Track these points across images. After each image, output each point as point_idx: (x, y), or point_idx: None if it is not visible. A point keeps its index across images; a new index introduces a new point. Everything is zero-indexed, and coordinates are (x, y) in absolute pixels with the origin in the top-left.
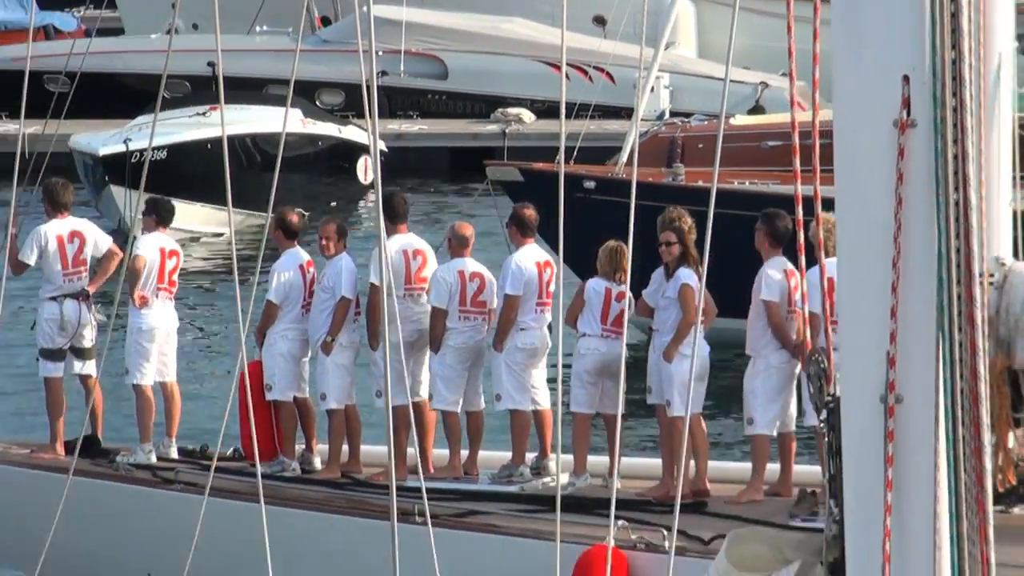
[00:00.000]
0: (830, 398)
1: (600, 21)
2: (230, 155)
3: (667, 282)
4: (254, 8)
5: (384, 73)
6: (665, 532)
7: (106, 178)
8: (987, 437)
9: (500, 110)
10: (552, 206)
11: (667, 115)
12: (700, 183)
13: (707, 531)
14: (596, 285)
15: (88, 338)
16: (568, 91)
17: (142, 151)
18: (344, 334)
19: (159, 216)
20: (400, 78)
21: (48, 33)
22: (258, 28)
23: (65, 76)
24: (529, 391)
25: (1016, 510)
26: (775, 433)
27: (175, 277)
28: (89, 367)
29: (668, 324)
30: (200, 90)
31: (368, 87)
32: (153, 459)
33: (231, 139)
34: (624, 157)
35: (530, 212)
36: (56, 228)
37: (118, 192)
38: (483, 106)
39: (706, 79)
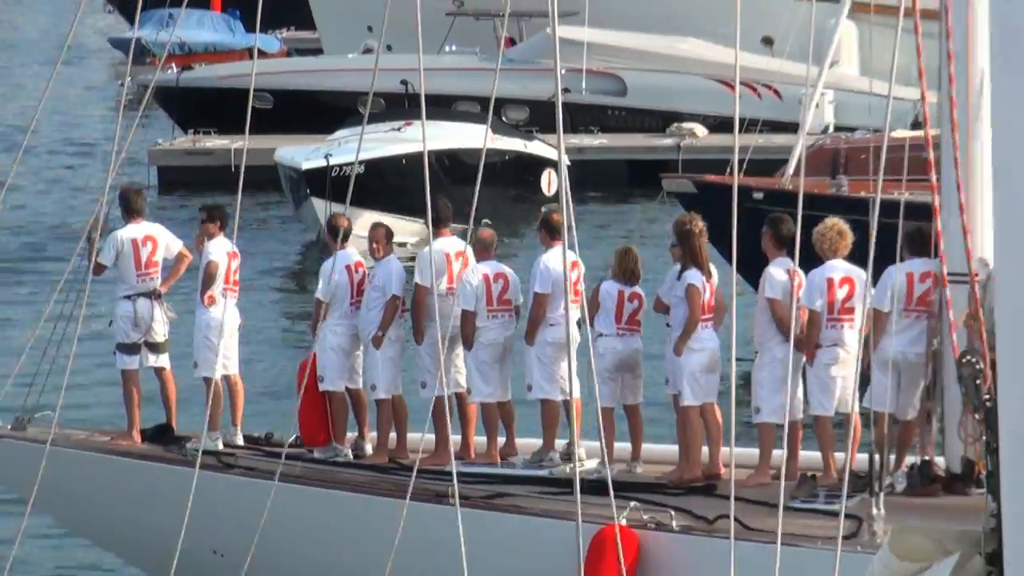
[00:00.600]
0: (987, 397)
1: (768, 41)
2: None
3: (676, 281)
4: (444, 29)
5: (567, 90)
6: (672, 512)
7: (307, 191)
8: None
9: (675, 125)
10: (724, 216)
11: (831, 129)
12: (863, 193)
13: (715, 512)
14: (609, 287)
15: (161, 333)
16: (739, 107)
17: (341, 165)
18: (392, 329)
19: (222, 222)
20: (582, 95)
21: (251, 53)
22: (447, 48)
23: (268, 94)
24: (558, 382)
25: None
26: (782, 421)
27: (237, 277)
28: (162, 360)
29: (678, 320)
30: (393, 107)
31: (554, 103)
32: (220, 445)
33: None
34: (791, 169)
35: (557, 217)
36: (130, 232)
37: (319, 204)
38: (659, 121)
39: (868, 95)
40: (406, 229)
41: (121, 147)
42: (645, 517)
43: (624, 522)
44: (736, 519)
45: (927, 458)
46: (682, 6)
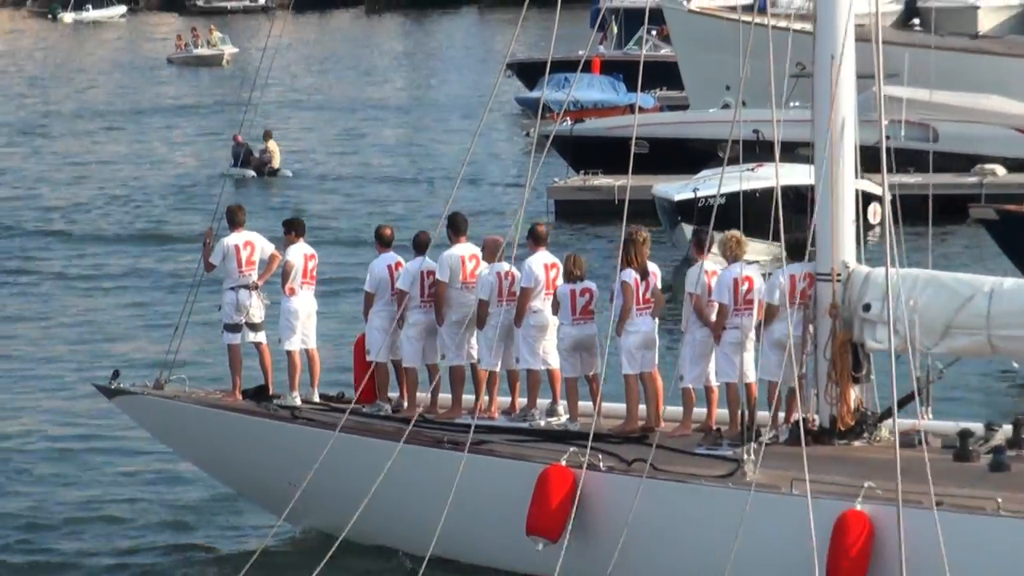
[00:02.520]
0: None
1: None
2: (772, 201)
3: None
4: (788, 89)
5: (888, 137)
6: (600, 456)
7: (679, 218)
8: None
9: (979, 166)
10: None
11: None
12: None
13: (635, 456)
14: (563, 288)
15: (258, 316)
16: None
17: (706, 197)
18: (419, 314)
19: (296, 231)
20: (900, 142)
21: (632, 109)
22: (791, 104)
23: (646, 141)
24: (540, 355)
25: (856, 443)
26: (701, 386)
27: (315, 273)
28: (260, 336)
29: (618, 309)
30: (747, 151)
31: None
32: (298, 402)
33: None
34: None
35: (541, 228)
36: (234, 239)
37: (687, 228)
38: (965, 163)
39: None
40: (757, 249)
41: (524, 181)
42: (581, 459)
43: (564, 463)
44: (646, 461)
45: (803, 416)
46: (987, 69)
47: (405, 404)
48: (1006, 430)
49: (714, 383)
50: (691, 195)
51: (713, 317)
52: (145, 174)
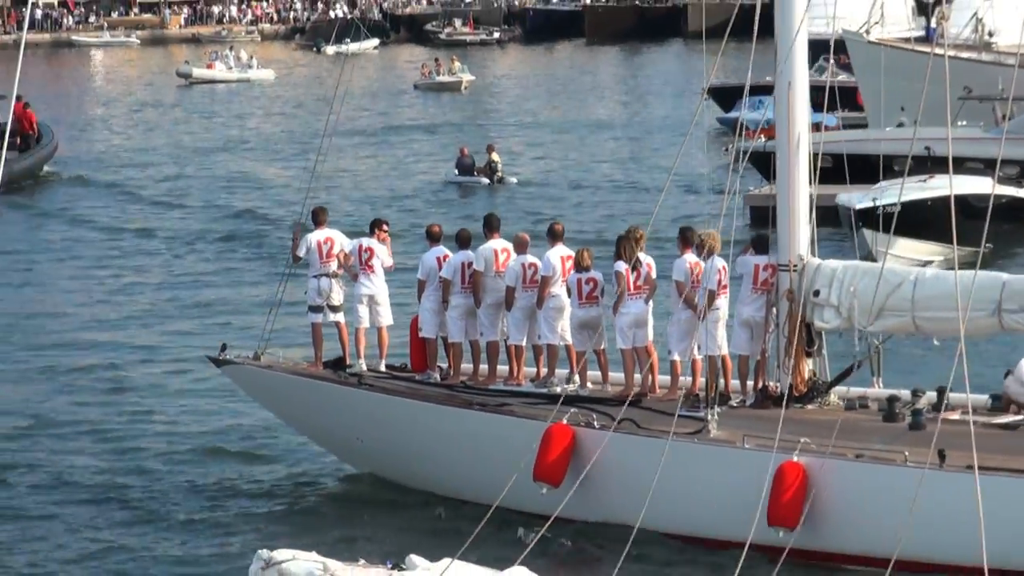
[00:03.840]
0: None
1: None
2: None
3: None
4: (956, 109)
5: None
6: (594, 416)
7: (860, 224)
8: None
9: None
10: None
11: None
12: None
13: (628, 416)
14: (571, 277)
15: (336, 299)
16: None
17: (885, 206)
18: (460, 298)
19: (378, 229)
20: None
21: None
22: (959, 123)
23: (829, 156)
24: (558, 332)
25: (809, 407)
26: (687, 359)
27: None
28: (338, 317)
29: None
30: (919, 165)
31: None
32: (364, 369)
33: (944, 198)
34: None
35: (559, 226)
36: (316, 235)
37: (869, 234)
38: None
39: None
40: (927, 251)
41: (724, 189)
42: (580, 419)
43: (565, 421)
44: (632, 420)
45: (765, 383)
46: None
47: (451, 373)
48: (930, 396)
49: (698, 355)
50: (871, 204)
51: (702, 301)
52: (391, 183)
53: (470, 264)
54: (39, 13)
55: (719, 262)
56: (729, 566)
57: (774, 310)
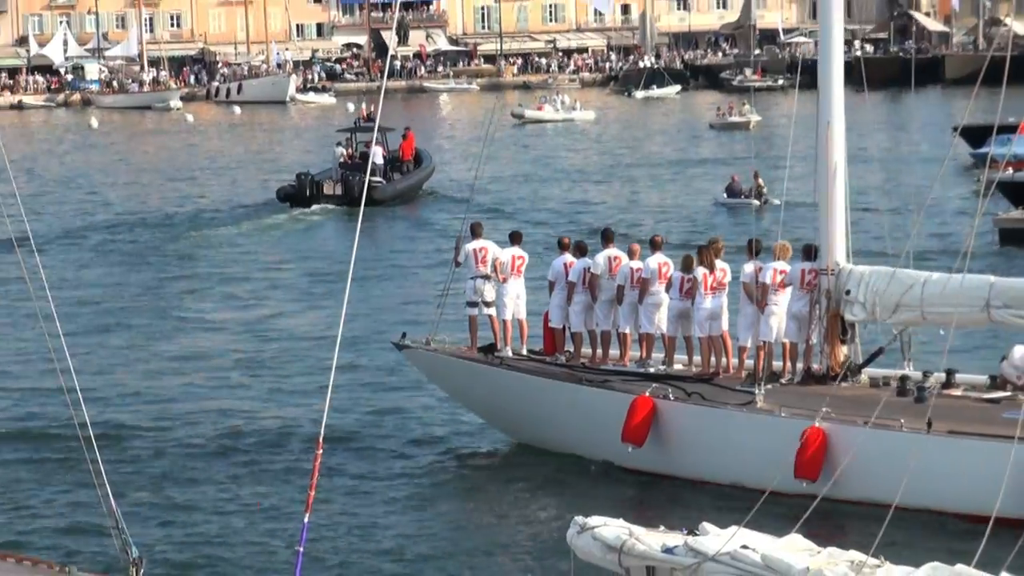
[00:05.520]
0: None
1: None
2: None
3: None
4: None
5: None
6: (670, 390)
7: None
8: None
9: None
10: None
11: None
12: None
13: (703, 391)
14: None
15: (489, 296)
16: None
17: None
18: (581, 295)
19: (512, 240)
20: None
21: None
22: None
23: None
24: (655, 323)
25: (844, 384)
26: (753, 344)
27: (521, 268)
28: (490, 310)
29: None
30: None
31: None
32: (509, 354)
33: None
34: None
35: (659, 238)
36: (473, 244)
37: None
38: None
39: None
40: None
41: (975, 213)
42: (659, 392)
43: (648, 394)
44: (699, 394)
45: (810, 366)
46: None
47: (574, 356)
48: (939, 376)
49: (759, 342)
50: None
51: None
52: (678, 202)
53: (588, 269)
54: (397, 64)
55: (777, 265)
56: (762, 511)
57: (817, 306)
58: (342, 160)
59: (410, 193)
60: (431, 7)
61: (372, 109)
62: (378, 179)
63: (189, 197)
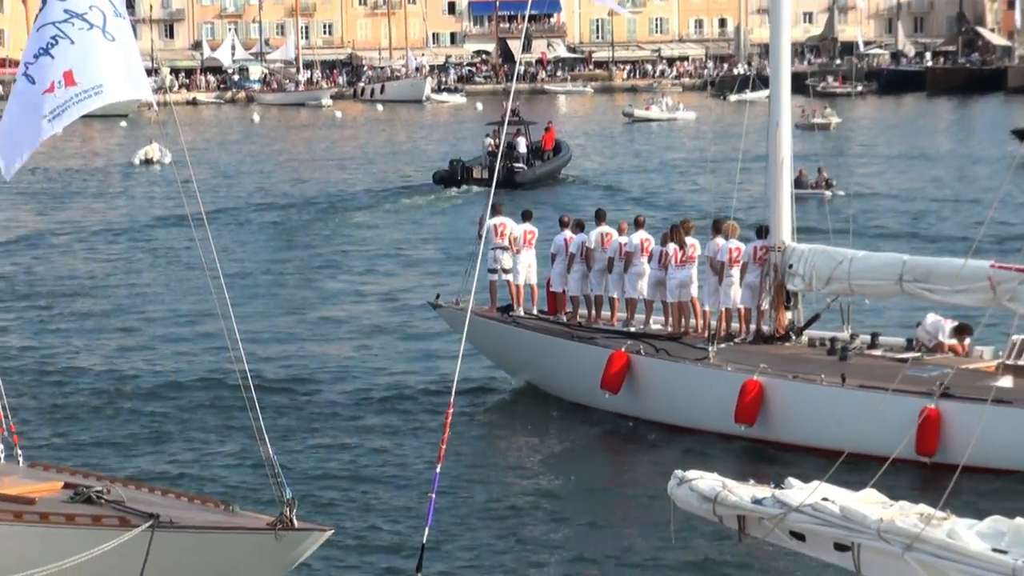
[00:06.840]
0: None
1: None
2: None
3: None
4: None
5: None
6: (642, 346)
7: None
8: None
9: None
10: None
11: None
12: None
13: (669, 348)
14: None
15: (507, 264)
16: None
17: None
18: (578, 265)
19: (524, 217)
20: None
21: None
22: None
23: None
24: (637, 290)
25: (786, 344)
26: (716, 309)
27: (532, 240)
28: (508, 276)
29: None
30: None
31: None
32: (522, 313)
33: None
34: None
35: (641, 218)
36: (494, 220)
37: None
38: None
39: None
40: None
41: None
42: (634, 348)
43: (623, 349)
44: (665, 351)
45: (761, 328)
46: None
47: (572, 315)
48: (865, 339)
49: (721, 308)
50: None
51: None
52: (753, 193)
53: (585, 243)
54: (521, 68)
55: (733, 243)
56: (710, 448)
57: (767, 277)
58: (490, 149)
59: (548, 178)
60: (552, 19)
61: (516, 105)
62: (520, 165)
63: (337, 182)
